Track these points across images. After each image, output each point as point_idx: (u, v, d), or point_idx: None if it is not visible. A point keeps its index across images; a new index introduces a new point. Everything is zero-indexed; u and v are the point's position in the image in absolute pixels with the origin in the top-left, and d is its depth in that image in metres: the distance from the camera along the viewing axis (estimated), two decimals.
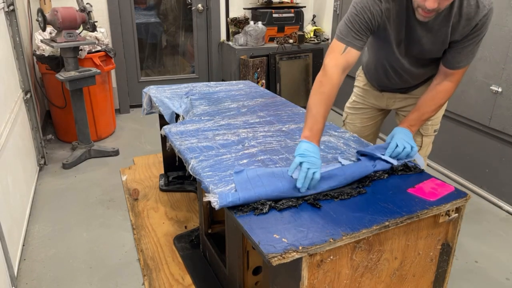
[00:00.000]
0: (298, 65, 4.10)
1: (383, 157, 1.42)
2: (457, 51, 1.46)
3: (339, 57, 1.40)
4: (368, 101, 1.89)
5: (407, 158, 1.45)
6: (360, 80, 1.92)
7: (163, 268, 1.92)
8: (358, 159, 1.44)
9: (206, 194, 1.27)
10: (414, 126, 1.53)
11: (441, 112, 1.77)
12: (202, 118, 1.92)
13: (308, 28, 4.35)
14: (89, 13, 2.78)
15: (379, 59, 1.65)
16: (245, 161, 1.47)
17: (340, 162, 1.42)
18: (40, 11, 2.67)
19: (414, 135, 1.62)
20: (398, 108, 1.82)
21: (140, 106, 2.45)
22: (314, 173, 1.22)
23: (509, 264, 2.04)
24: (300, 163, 1.23)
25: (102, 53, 3.23)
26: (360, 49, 1.42)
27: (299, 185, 1.22)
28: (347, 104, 2.00)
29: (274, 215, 1.15)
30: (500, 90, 2.42)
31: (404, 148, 1.42)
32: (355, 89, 1.96)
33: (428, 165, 2.97)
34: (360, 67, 1.94)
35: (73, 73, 2.80)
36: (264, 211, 1.15)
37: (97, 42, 3.16)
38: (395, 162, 1.42)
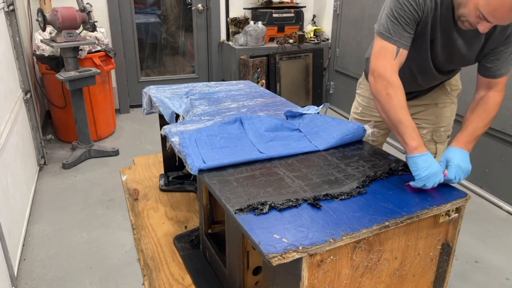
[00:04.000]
0: (298, 65, 4.10)
1: (306, 111, 1.82)
2: (496, 57, 1.38)
3: (393, 62, 1.32)
4: (376, 113, 1.73)
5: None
6: (364, 88, 1.83)
7: (163, 268, 1.92)
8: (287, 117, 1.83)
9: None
10: (469, 143, 1.39)
11: (453, 117, 1.72)
12: (202, 118, 1.92)
13: (308, 28, 4.35)
14: (89, 13, 2.78)
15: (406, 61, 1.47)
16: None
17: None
18: (40, 11, 2.67)
19: (427, 143, 1.58)
20: None
21: (140, 106, 2.45)
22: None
23: (509, 264, 2.04)
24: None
25: (102, 53, 3.23)
26: (408, 47, 1.33)
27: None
28: (354, 114, 1.90)
29: (274, 215, 1.15)
30: None
31: (459, 179, 1.33)
32: (359, 99, 1.86)
33: None
34: (363, 75, 1.84)
35: (73, 73, 2.80)
36: (264, 211, 1.15)
37: (97, 42, 3.16)
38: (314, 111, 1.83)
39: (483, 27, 1.20)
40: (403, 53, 1.33)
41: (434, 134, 1.70)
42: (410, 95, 1.65)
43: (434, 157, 1.64)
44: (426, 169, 1.24)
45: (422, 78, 1.55)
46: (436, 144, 1.72)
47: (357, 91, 1.89)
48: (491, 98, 1.42)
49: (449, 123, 1.71)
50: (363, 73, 1.84)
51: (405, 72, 1.48)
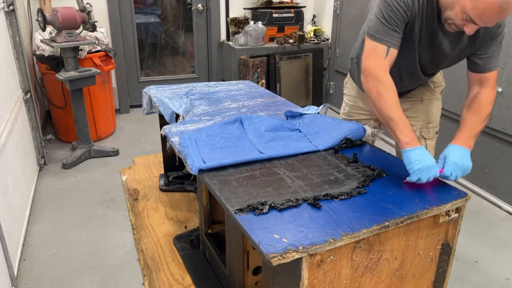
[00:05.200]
0: (298, 65, 4.10)
1: (306, 111, 1.83)
2: (484, 54, 1.41)
3: (383, 62, 1.34)
4: (363, 111, 1.81)
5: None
6: (350, 88, 1.85)
7: (163, 268, 1.92)
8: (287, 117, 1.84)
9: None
10: (469, 140, 1.39)
11: (439, 113, 1.76)
12: (202, 118, 1.92)
13: (308, 28, 4.35)
14: (89, 13, 2.78)
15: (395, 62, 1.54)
16: None
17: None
18: (40, 11, 2.67)
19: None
20: None
21: (140, 106, 2.45)
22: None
23: (509, 264, 2.04)
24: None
25: (102, 53, 3.23)
26: (398, 46, 1.36)
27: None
28: (342, 114, 1.93)
29: (274, 215, 1.15)
30: (500, 90, 2.41)
31: (456, 176, 1.35)
32: (346, 98, 1.89)
33: None
34: (348, 75, 1.86)
35: (73, 73, 2.80)
36: (264, 211, 1.15)
37: (97, 42, 3.16)
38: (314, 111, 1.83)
39: (469, 29, 1.23)
40: (393, 52, 1.35)
41: (423, 131, 1.72)
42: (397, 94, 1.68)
43: None
44: (419, 162, 1.26)
45: (408, 80, 1.58)
46: (426, 140, 1.74)
47: (344, 91, 1.92)
48: (484, 95, 1.44)
49: (436, 119, 1.74)
50: (349, 72, 1.86)
51: (393, 74, 1.50)
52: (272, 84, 3.97)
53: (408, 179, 1.29)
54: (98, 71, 2.93)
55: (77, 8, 2.78)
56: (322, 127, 1.71)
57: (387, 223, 1.11)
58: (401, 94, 1.69)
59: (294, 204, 1.19)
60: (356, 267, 1.14)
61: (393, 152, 1.83)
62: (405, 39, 1.39)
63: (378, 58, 1.35)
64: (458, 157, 1.34)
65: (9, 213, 1.92)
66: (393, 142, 2.43)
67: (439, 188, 1.31)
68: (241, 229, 1.12)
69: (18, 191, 2.16)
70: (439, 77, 1.73)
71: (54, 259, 2.00)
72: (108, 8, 3.77)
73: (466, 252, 2.10)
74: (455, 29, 1.29)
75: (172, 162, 2.38)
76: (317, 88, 4.29)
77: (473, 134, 1.41)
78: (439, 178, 1.33)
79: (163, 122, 2.20)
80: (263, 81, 3.94)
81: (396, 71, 1.52)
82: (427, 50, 1.43)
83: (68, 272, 1.92)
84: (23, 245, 2.08)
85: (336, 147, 1.58)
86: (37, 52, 3.05)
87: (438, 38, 1.39)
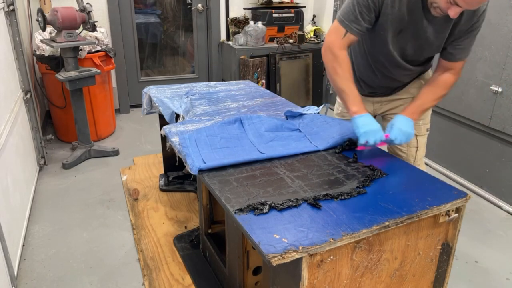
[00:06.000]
0: (298, 65, 4.10)
1: (306, 111, 1.85)
2: (459, 45, 1.49)
3: (341, 41, 1.47)
4: None
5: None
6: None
7: (163, 268, 1.92)
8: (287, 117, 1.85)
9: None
10: (415, 113, 1.55)
11: (430, 110, 1.78)
12: (202, 118, 1.92)
13: (308, 28, 4.35)
14: (89, 13, 2.78)
15: (373, 56, 1.63)
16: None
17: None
18: (40, 11, 2.67)
19: None
20: (385, 112, 1.82)
21: (140, 106, 2.45)
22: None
23: (509, 264, 2.04)
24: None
25: (102, 53, 3.23)
26: (358, 34, 1.47)
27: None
28: (335, 114, 1.96)
29: (274, 215, 1.15)
30: (500, 90, 2.42)
31: (400, 141, 1.51)
32: (338, 98, 1.91)
33: (428, 165, 2.97)
34: None
35: (73, 73, 2.80)
36: (264, 211, 1.15)
37: (97, 42, 3.16)
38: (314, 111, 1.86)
39: (453, 12, 1.28)
40: (351, 37, 1.47)
41: (414, 127, 1.72)
42: (388, 90, 1.75)
43: (416, 150, 1.79)
44: (364, 126, 1.44)
45: (396, 71, 1.63)
46: (417, 137, 1.76)
47: None
48: (445, 77, 1.57)
49: (426, 116, 1.77)
50: None
51: (378, 67, 1.63)
52: (272, 84, 3.97)
53: (358, 143, 1.46)
54: (98, 71, 2.93)
55: (77, 8, 2.78)
56: (322, 127, 1.71)
57: (387, 223, 1.11)
58: (393, 91, 1.75)
59: (294, 204, 1.19)
60: (356, 267, 1.14)
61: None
62: (380, 30, 1.48)
63: (338, 36, 1.47)
64: (403, 124, 1.50)
65: (9, 213, 1.92)
66: None
67: (439, 188, 1.31)
68: (241, 229, 1.12)
69: (18, 191, 2.16)
70: (430, 74, 1.75)
71: (54, 259, 2.00)
72: (108, 8, 3.77)
73: (466, 252, 2.11)
74: (440, 13, 1.34)
75: (172, 162, 2.38)
76: (317, 88, 4.29)
77: (421, 109, 1.56)
78: (386, 142, 1.52)
79: (163, 122, 2.21)
80: (263, 81, 3.94)
81: (380, 65, 1.62)
82: (411, 38, 1.48)
83: (68, 272, 1.92)
84: (23, 245, 2.08)
85: (339, 148, 1.58)
86: (37, 52, 3.05)
87: (423, 26, 1.43)
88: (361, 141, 1.44)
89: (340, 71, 1.48)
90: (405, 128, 1.50)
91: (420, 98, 1.57)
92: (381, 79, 1.67)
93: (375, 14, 1.42)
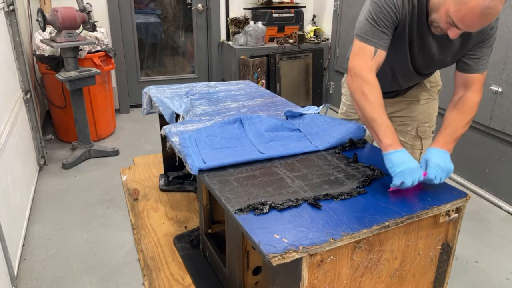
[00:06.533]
0: (298, 65, 4.10)
1: (306, 111, 1.84)
2: (475, 56, 1.41)
3: (370, 62, 1.33)
4: None
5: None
6: (347, 87, 1.87)
7: (163, 268, 1.92)
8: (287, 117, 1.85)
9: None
10: (449, 143, 1.37)
11: (435, 113, 1.77)
12: (202, 118, 1.92)
13: (308, 28, 4.35)
14: (89, 13, 2.78)
15: (386, 61, 1.53)
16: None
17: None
18: (40, 11, 2.67)
19: (413, 139, 1.60)
20: (389, 114, 1.80)
21: (140, 106, 2.45)
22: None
23: (509, 264, 2.04)
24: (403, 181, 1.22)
25: (102, 53, 3.23)
26: (386, 48, 1.35)
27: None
28: (340, 114, 1.94)
29: (274, 215, 1.15)
30: (500, 90, 2.42)
31: (440, 179, 1.30)
32: (343, 98, 1.91)
33: None
34: (345, 75, 1.84)
35: (73, 73, 2.80)
36: (264, 211, 1.15)
37: (97, 42, 3.16)
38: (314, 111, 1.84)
39: (453, 33, 1.23)
40: (381, 53, 1.34)
41: (419, 130, 1.73)
42: (392, 94, 1.70)
43: (420, 153, 1.72)
44: (402, 164, 1.22)
45: (403, 79, 1.58)
46: (422, 140, 1.74)
47: (342, 90, 1.93)
48: (469, 98, 1.42)
49: (432, 119, 1.74)
50: (346, 72, 1.85)
51: (386, 73, 1.51)
52: (272, 84, 3.97)
53: (392, 184, 1.25)
54: (98, 71, 2.93)
55: (77, 8, 2.78)
56: (322, 127, 1.71)
57: (387, 223, 1.11)
58: (398, 94, 1.72)
59: (294, 204, 1.19)
60: (356, 267, 1.14)
61: None
62: (397, 39, 1.38)
63: (365, 58, 1.34)
64: (440, 159, 1.31)
65: (9, 213, 1.92)
66: None
67: (439, 188, 1.31)
68: (241, 229, 1.12)
69: (18, 191, 2.16)
70: (436, 76, 1.74)
71: (54, 259, 2.00)
72: (108, 8, 3.77)
73: (466, 252, 2.11)
74: (440, 32, 1.30)
75: (172, 162, 2.38)
76: (317, 88, 4.29)
77: (454, 138, 1.38)
78: (424, 182, 1.29)
79: (163, 122, 2.21)
80: (263, 81, 3.94)
81: (390, 71, 1.53)
82: (419, 52, 1.44)
83: (68, 272, 1.92)
84: (23, 245, 2.08)
85: (340, 148, 1.58)
86: (37, 52, 3.05)
87: (428, 41, 1.39)
88: (396, 182, 1.23)
89: (372, 97, 1.30)
90: (443, 163, 1.30)
91: (449, 125, 1.40)
92: (386, 84, 1.60)
93: (395, 25, 1.35)
